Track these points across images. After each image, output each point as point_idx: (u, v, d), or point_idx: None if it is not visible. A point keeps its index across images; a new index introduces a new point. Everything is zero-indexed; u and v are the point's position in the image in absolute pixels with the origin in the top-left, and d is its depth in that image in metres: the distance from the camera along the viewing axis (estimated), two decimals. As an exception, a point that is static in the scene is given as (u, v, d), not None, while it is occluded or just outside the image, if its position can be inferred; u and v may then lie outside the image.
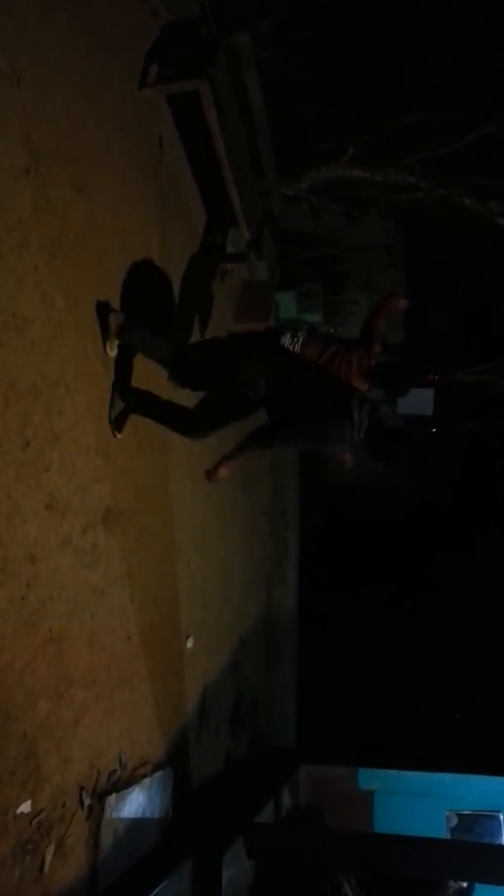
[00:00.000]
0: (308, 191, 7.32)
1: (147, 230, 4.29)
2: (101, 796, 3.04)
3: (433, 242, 8.66)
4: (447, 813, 5.93)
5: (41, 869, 2.56)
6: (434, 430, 9.94)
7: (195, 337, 5.17)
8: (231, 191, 5.22)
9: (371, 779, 6.65)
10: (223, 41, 4.87)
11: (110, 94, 3.87)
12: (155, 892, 3.17)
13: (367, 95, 6.34)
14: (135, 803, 3.35)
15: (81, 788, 2.90)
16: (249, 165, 5.76)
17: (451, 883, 5.02)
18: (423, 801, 6.18)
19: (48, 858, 2.59)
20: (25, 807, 2.48)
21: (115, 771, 3.23)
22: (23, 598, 2.56)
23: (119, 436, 3.53)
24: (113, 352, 3.47)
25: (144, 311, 4.01)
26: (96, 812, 2.98)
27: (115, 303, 3.59)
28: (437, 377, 9.31)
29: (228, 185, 5.18)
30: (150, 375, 3.88)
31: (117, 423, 3.52)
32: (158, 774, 3.69)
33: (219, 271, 6.15)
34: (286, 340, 3.42)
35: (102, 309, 3.37)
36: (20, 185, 2.74)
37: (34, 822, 2.53)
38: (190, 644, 4.51)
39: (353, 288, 9.36)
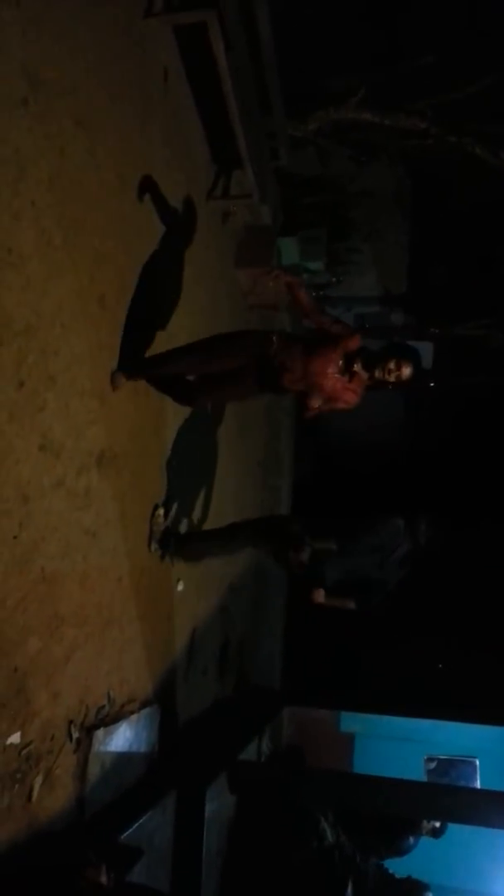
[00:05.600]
0: (316, 133, 7.13)
1: (148, 167, 4.17)
2: (89, 730, 3.11)
3: (441, 192, 8.48)
4: (425, 757, 6.12)
5: (29, 798, 2.64)
6: (431, 383, 9.92)
7: (196, 285, 5.09)
8: (237, 129, 5.07)
9: (352, 722, 6.85)
10: (233, -30, 4.67)
11: (114, 23, 3.71)
12: (139, 822, 3.28)
13: (380, 35, 6.13)
14: (122, 738, 3.44)
15: (70, 722, 2.98)
16: (256, 103, 5.59)
17: (425, 823, 5.22)
18: (403, 746, 6.38)
19: (36, 788, 2.67)
20: (15, 738, 2.55)
21: (103, 707, 3.31)
22: (15, 538, 2.58)
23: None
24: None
25: (143, 256, 3.94)
26: (84, 745, 3.06)
27: (112, 243, 3.53)
28: (437, 330, 9.25)
29: (234, 123, 5.03)
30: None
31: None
32: (146, 711, 3.78)
33: (221, 213, 6.03)
34: None
35: None
36: (18, 116, 2.65)
37: (23, 752, 2.59)
38: (180, 587, 4.57)
39: (357, 236, 9.19)
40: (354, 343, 3.49)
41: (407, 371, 3.49)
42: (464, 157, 6.87)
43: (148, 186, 4.12)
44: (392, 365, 3.47)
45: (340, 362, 3.49)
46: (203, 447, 5.38)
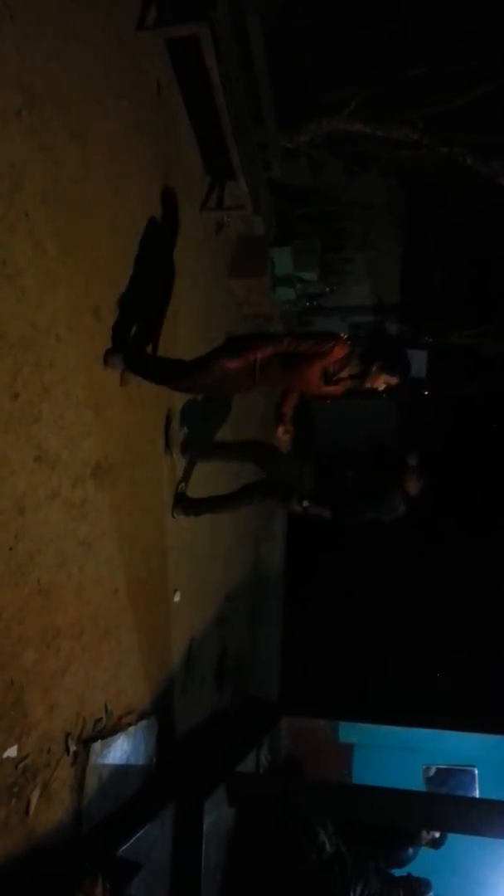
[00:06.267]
0: (308, 144, 7.16)
1: (142, 179, 4.20)
2: (86, 743, 3.10)
3: (433, 201, 8.52)
4: (424, 766, 6.10)
5: (27, 811, 2.62)
6: (426, 392, 9.94)
7: (190, 295, 5.11)
8: (229, 141, 5.10)
9: (351, 732, 6.83)
10: (225, -17, 4.70)
11: (107, 36, 3.74)
12: (137, 835, 3.26)
13: (372, 46, 6.17)
14: (119, 751, 3.42)
15: (67, 735, 2.96)
16: (249, 115, 5.62)
17: (424, 833, 5.20)
18: (401, 755, 6.36)
19: (33, 801, 2.65)
20: (12, 751, 2.53)
21: (100, 719, 3.29)
22: (11, 549, 2.57)
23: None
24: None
25: (137, 264, 3.95)
26: (81, 758, 3.05)
27: (106, 254, 3.54)
28: (431, 339, 9.27)
29: (227, 135, 5.05)
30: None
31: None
32: (143, 723, 3.76)
33: (214, 224, 6.05)
34: None
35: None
36: (12, 129, 2.66)
37: (20, 766, 2.58)
38: (177, 598, 4.56)
39: (350, 246, 9.22)
40: (331, 359, 3.52)
41: (392, 379, 3.53)
42: (456, 168, 6.90)
43: (142, 198, 4.14)
44: (374, 370, 3.52)
45: (320, 375, 3.55)
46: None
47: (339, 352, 3.49)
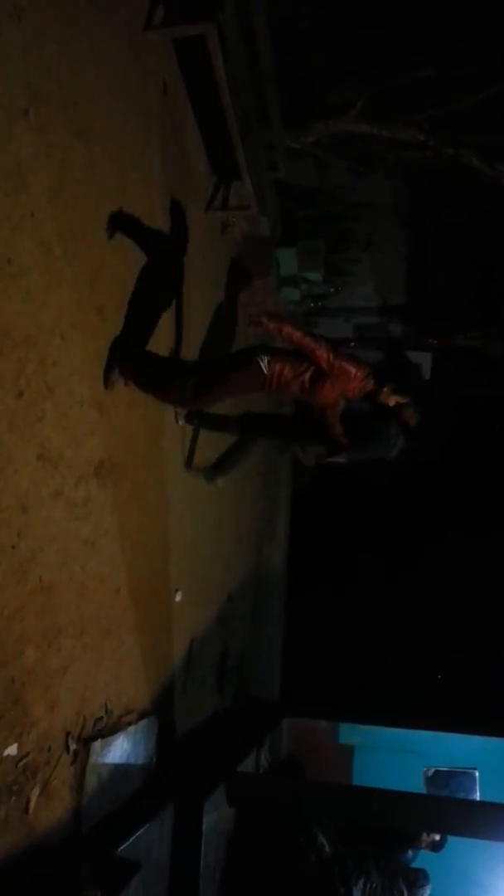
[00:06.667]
0: (314, 144, 7.16)
1: (148, 179, 4.20)
2: (86, 742, 3.10)
3: (438, 203, 8.51)
4: (424, 769, 6.08)
5: (26, 809, 2.62)
6: (430, 394, 9.91)
7: (194, 295, 5.11)
8: (235, 141, 5.10)
9: (351, 734, 6.80)
10: (233, -17, 4.70)
11: (114, 36, 3.74)
12: (137, 835, 3.26)
13: (379, 47, 6.16)
14: (119, 750, 3.42)
15: (67, 734, 2.96)
16: (255, 116, 5.62)
17: (425, 836, 5.18)
18: (402, 757, 6.33)
19: (33, 800, 2.66)
20: (12, 749, 2.53)
21: (100, 718, 3.29)
22: (13, 547, 2.58)
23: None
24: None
25: (142, 266, 3.95)
26: (81, 757, 3.05)
27: (111, 253, 3.54)
28: (436, 341, 9.26)
29: (233, 136, 5.05)
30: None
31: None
32: (143, 723, 3.76)
33: (220, 223, 6.05)
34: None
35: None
36: (19, 128, 2.66)
37: (20, 764, 2.58)
38: (179, 598, 4.56)
39: (355, 247, 9.22)
40: (356, 384, 3.52)
41: (403, 399, 3.58)
42: (461, 169, 6.89)
43: (147, 198, 4.14)
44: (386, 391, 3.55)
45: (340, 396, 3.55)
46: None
47: (362, 377, 3.50)
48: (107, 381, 3.45)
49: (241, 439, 4.74)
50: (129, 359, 3.57)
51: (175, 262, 4.75)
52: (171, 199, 4.61)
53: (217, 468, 4.88)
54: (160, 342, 4.31)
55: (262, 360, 3.51)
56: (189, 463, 4.86)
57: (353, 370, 3.46)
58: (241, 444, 4.76)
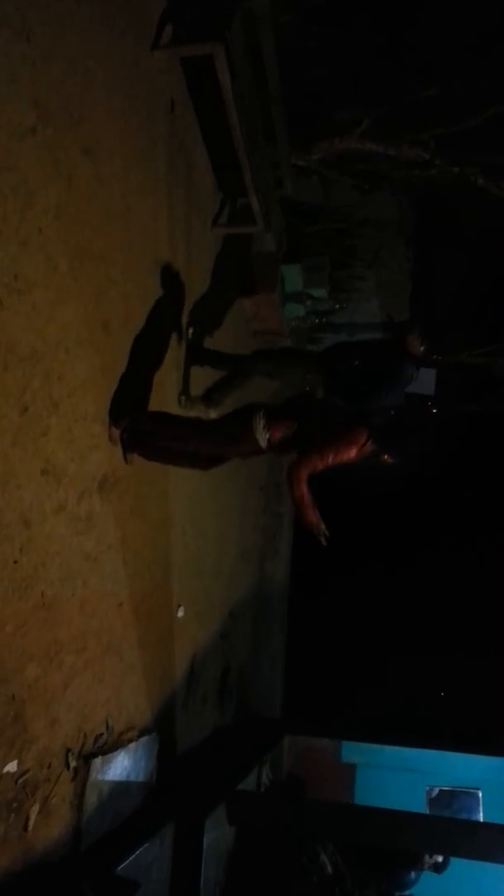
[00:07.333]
0: (320, 162, 7.20)
1: (154, 195, 4.23)
2: (86, 759, 3.08)
3: (444, 220, 8.55)
4: (427, 788, 6.02)
5: (25, 827, 2.60)
6: (435, 410, 9.91)
7: (203, 306, 5.14)
8: (242, 159, 5.13)
9: (354, 752, 6.76)
10: (240, 3, 4.75)
11: (122, 55, 3.78)
12: (136, 853, 3.23)
13: (384, 67, 6.21)
14: (120, 767, 3.40)
15: (68, 750, 2.94)
16: (262, 133, 5.66)
17: (427, 857, 5.13)
18: (405, 776, 6.28)
19: (32, 817, 2.63)
20: (11, 766, 2.52)
21: (101, 734, 3.27)
22: (16, 562, 2.57)
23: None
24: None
25: (148, 282, 3.97)
26: (81, 774, 3.03)
27: (117, 269, 3.56)
28: (440, 358, 9.26)
29: (240, 153, 5.09)
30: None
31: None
32: (144, 739, 3.73)
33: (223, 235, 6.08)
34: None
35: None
36: (27, 145, 2.69)
37: (20, 781, 2.56)
38: (181, 613, 4.54)
39: (360, 264, 9.25)
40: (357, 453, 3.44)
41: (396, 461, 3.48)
42: (467, 187, 6.93)
43: (154, 214, 4.17)
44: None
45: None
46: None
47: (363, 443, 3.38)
48: (126, 459, 3.58)
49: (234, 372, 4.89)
50: (132, 434, 3.55)
51: (179, 277, 4.77)
52: (175, 214, 4.63)
53: (209, 398, 4.90)
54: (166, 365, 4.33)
55: (260, 434, 3.41)
56: (186, 391, 4.83)
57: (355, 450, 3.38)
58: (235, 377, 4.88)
